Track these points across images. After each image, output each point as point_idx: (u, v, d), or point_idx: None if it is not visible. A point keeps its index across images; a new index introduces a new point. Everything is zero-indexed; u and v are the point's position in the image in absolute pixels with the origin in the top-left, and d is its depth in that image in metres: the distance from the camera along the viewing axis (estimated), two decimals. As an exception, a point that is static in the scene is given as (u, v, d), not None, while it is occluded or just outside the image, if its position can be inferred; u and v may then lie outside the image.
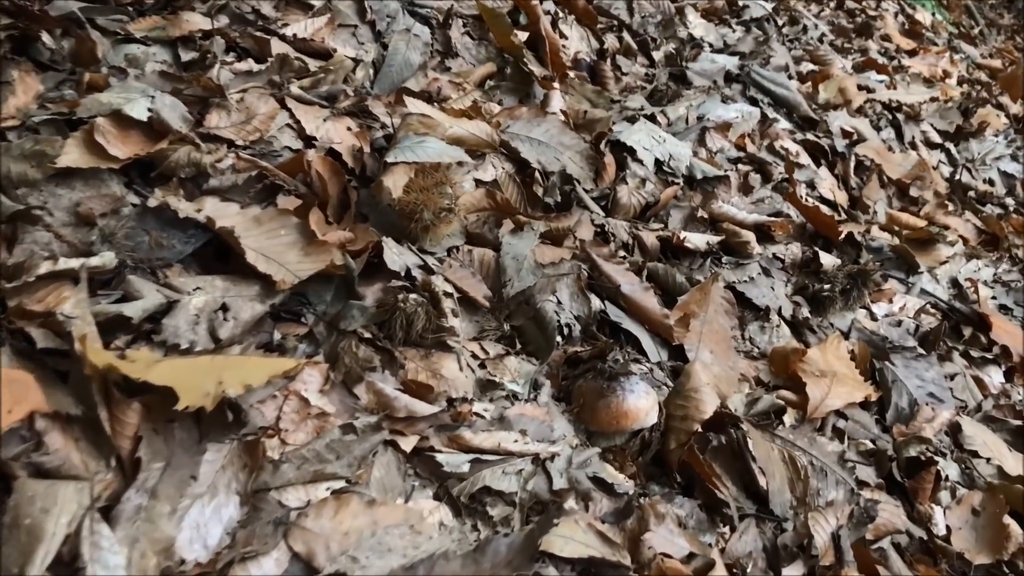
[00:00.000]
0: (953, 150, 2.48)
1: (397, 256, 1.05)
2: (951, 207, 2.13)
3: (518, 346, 1.10)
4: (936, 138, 2.51)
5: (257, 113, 1.17)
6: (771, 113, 2.08)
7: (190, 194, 1.03)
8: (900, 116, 2.48)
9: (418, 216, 1.09)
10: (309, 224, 0.99)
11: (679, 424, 1.03)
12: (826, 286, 1.49)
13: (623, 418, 0.99)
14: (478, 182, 1.32)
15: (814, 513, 1.07)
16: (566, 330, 1.13)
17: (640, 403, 0.99)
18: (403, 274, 1.03)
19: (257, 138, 1.15)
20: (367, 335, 0.95)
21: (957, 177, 2.31)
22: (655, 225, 1.49)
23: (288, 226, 0.98)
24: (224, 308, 0.88)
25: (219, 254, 0.98)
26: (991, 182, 2.41)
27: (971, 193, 2.29)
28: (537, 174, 1.38)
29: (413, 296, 0.98)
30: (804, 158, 1.95)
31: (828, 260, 1.54)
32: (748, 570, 0.97)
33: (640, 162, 1.57)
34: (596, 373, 1.04)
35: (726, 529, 1.00)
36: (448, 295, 1.02)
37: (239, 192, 1.05)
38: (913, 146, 2.42)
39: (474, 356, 1.04)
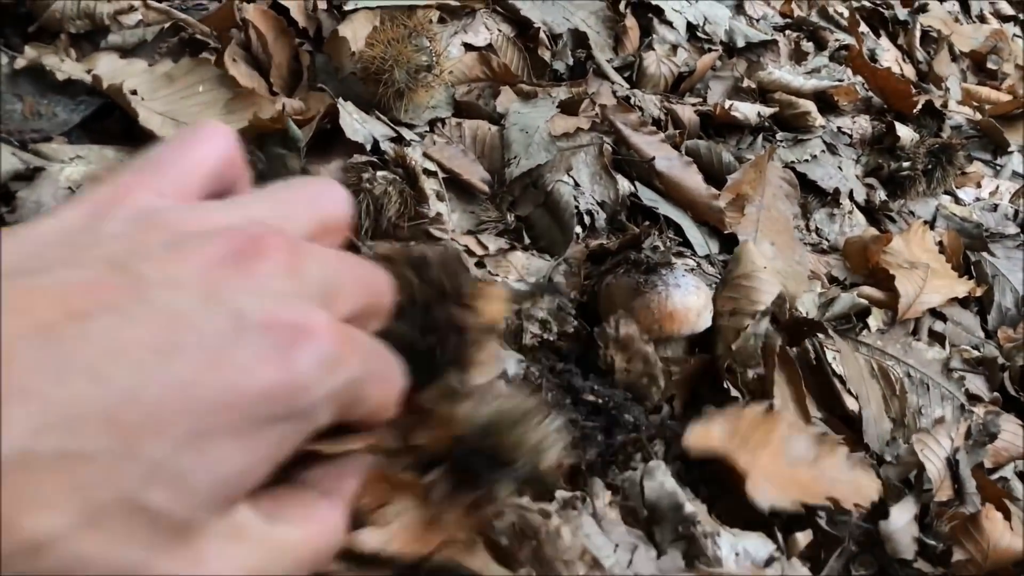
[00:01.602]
0: (1029, 21, 2.22)
1: (359, 124, 0.83)
2: (1036, 81, 1.89)
3: (526, 240, 0.89)
4: (1008, 9, 2.25)
5: (175, -44, 0.95)
6: (819, -22, 1.83)
7: (85, 55, 0.81)
8: (966, -15, 2.22)
9: (387, 77, 0.86)
10: (227, 71, 0.77)
11: (727, 321, 0.80)
12: (905, 164, 1.26)
13: (668, 321, 0.77)
14: (468, 47, 1.09)
15: (920, 435, 0.85)
16: (587, 219, 0.91)
17: (689, 300, 0.77)
18: (369, 147, 0.81)
19: (177, -12, 0.94)
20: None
21: (1038, 49, 2.06)
22: (692, 99, 1.26)
23: (209, 80, 0.77)
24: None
25: (127, 128, 0.77)
26: (1078, 53, 2.16)
27: (1056, 66, 2.04)
28: (543, 36, 1.15)
29: (382, 174, 0.77)
30: (862, 27, 1.70)
31: (906, 133, 1.31)
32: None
33: (669, 25, 1.33)
34: (630, 266, 0.82)
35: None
36: (430, 173, 0.80)
37: (147, 51, 0.84)
38: (982, 19, 2.16)
39: (469, 252, 0.82)
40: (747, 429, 0.70)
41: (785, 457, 0.71)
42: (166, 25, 0.86)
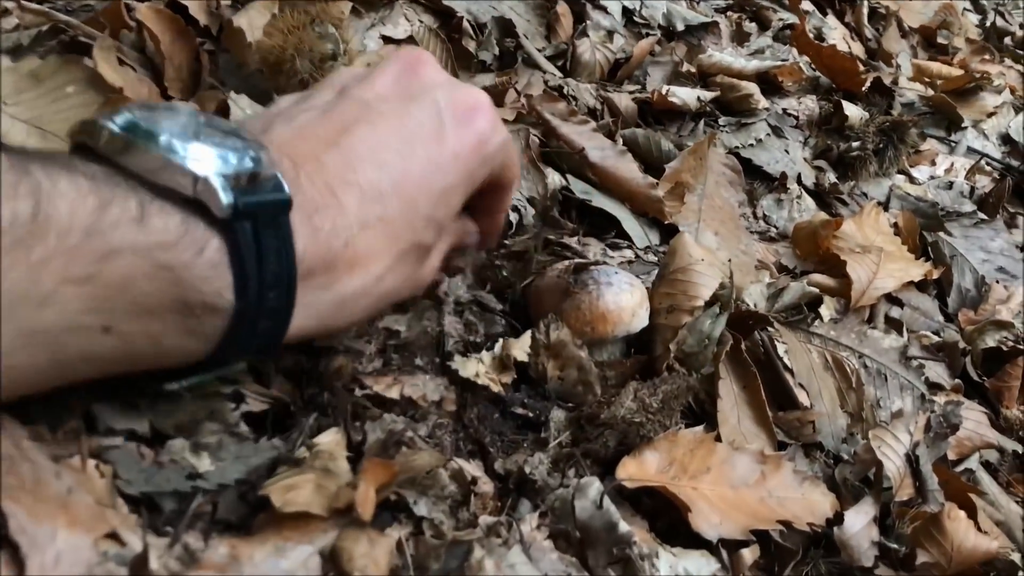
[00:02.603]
0: (979, -5, 2.21)
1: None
2: (987, 56, 1.86)
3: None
4: (958, -17, 2.24)
5: (55, -47, 0.88)
6: (761, -44, 1.79)
7: (-47, 63, 0.75)
8: (913, -41, 2.20)
9: (289, 67, 0.81)
10: (97, 70, 0.71)
11: (665, 319, 0.75)
12: (855, 144, 1.22)
13: (601, 322, 0.71)
14: (387, 39, 1.03)
15: (877, 431, 0.80)
16: (514, 216, 0.86)
17: (622, 299, 0.72)
18: (264, 144, 0.76)
19: (59, -12, 0.87)
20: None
21: (989, 22, 2.04)
22: (630, 86, 1.21)
23: (80, 80, 0.71)
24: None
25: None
26: (1028, 26, 2.14)
27: (1008, 40, 2.02)
28: (467, 25, 1.09)
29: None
30: (807, 4, 1.67)
31: (854, 112, 1.27)
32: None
33: (603, 10, 1.29)
34: (560, 268, 0.77)
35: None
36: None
37: (23, 54, 0.77)
38: (931, -7, 2.14)
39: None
40: (684, 456, 0.65)
41: (728, 481, 0.66)
42: (44, 28, 0.79)
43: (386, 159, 0.52)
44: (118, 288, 0.40)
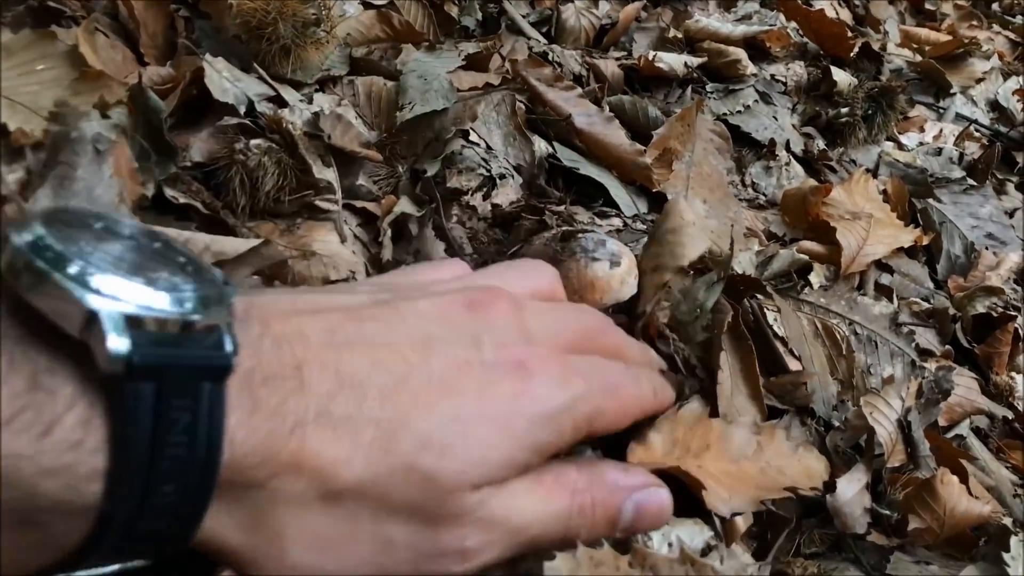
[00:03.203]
0: (967, -40, 2.19)
1: (229, 83, 0.75)
2: (975, 21, 1.85)
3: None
4: (945, -52, 2.22)
5: (23, -86, 0.86)
6: (748, -79, 1.77)
7: (-84, 29, 0.73)
8: (900, -75, 2.18)
9: (270, 32, 0.79)
10: (76, 47, 0.69)
11: (649, 279, 0.74)
12: (843, 110, 1.21)
13: (589, 290, 0.71)
14: (366, 4, 1.01)
15: (868, 397, 0.80)
16: (499, 183, 0.85)
17: (611, 267, 0.71)
18: (243, 109, 0.74)
19: (27, -49, 0.85)
20: (198, 205, 0.67)
21: (977, -12, 2.03)
22: (616, 52, 1.20)
23: (52, 56, 0.68)
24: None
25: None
26: (1017, -9, 2.13)
27: (996, 5, 2.00)
28: (449, -10, 1.08)
29: (256, 142, 0.69)
30: (794, -30, 1.65)
31: (843, 78, 1.26)
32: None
33: (588, -25, 1.27)
34: (547, 236, 0.76)
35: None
36: (313, 136, 0.73)
37: (-10, 20, 0.75)
38: (919, -41, 2.13)
39: (365, 222, 0.75)
40: (686, 435, 0.64)
41: (728, 456, 0.65)
42: (10, -8, 0.77)
43: (385, 362, 0.40)
44: None
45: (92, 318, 0.31)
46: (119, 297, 0.32)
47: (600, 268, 0.71)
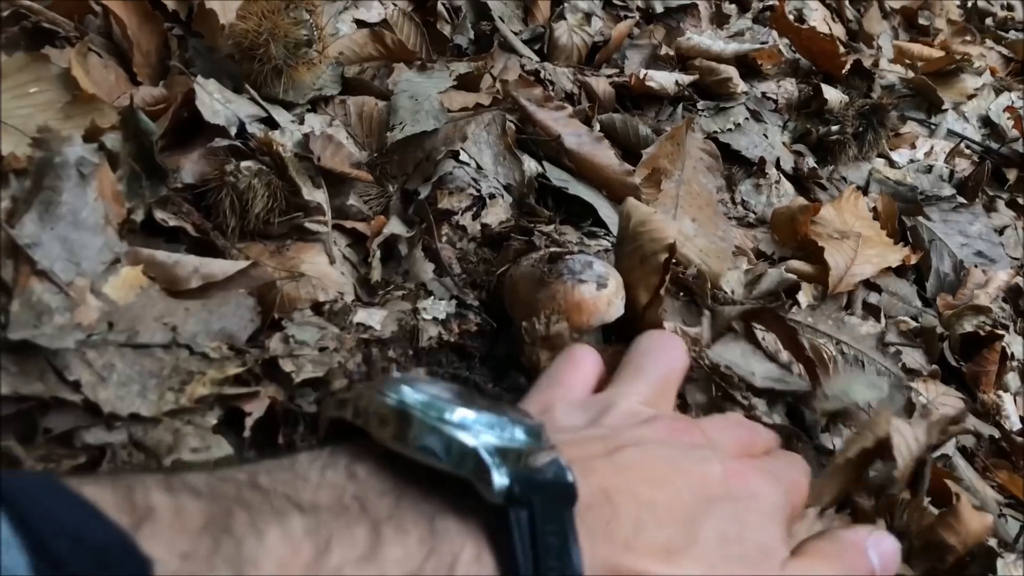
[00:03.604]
0: (961, -25, 2.20)
1: (220, 105, 0.75)
2: (969, 37, 1.86)
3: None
4: (939, -37, 2.23)
5: (17, -65, 0.86)
6: (742, -62, 1.78)
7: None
8: (894, -60, 2.19)
9: (263, 53, 0.80)
10: (70, 70, 0.69)
11: (639, 270, 0.75)
12: (834, 128, 1.22)
13: (575, 312, 0.71)
14: (360, 23, 1.02)
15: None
16: (489, 202, 0.86)
17: (597, 289, 0.72)
18: (234, 131, 0.75)
19: (21, -28, 0.86)
20: (187, 227, 0.68)
21: (970, 3, 2.03)
22: (608, 70, 1.21)
23: (45, 79, 0.69)
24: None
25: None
26: (1009, 7, 2.14)
27: (989, 21, 2.02)
28: (441, 8, 1.08)
29: (247, 164, 0.70)
30: (788, -14, 1.66)
31: (833, 95, 1.26)
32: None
33: (581, -8, 1.28)
34: (535, 257, 0.76)
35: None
36: (303, 157, 0.74)
37: (-16, 42, 0.76)
38: (913, -26, 2.14)
39: (355, 242, 0.76)
40: None
41: None
42: (4, 13, 0.78)
43: (660, 481, 0.44)
44: None
45: (469, 454, 0.35)
46: (483, 431, 0.36)
47: (587, 290, 0.71)
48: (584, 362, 0.60)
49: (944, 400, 0.92)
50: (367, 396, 0.38)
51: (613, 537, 0.39)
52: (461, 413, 0.36)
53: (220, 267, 0.63)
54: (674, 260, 0.74)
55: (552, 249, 0.77)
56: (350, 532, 0.33)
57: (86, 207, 0.55)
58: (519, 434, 0.37)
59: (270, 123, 0.79)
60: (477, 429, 0.36)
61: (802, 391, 0.79)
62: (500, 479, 0.34)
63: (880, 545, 0.52)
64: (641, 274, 0.74)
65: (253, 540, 0.31)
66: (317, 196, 0.73)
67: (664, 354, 0.61)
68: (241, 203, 0.69)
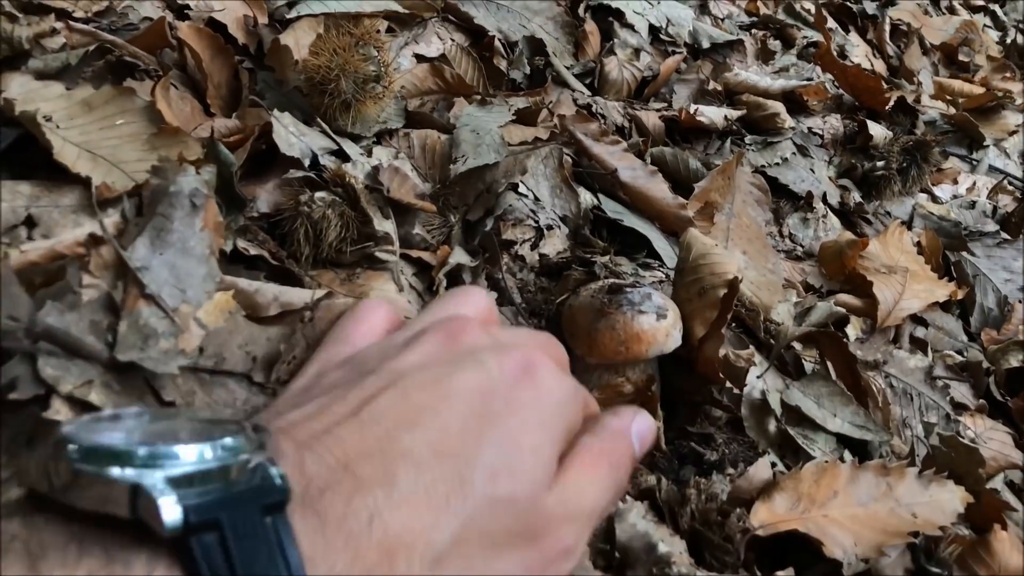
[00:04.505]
0: (999, 11, 2.21)
1: (295, 137, 0.78)
2: (1008, 73, 1.86)
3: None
4: (977, 0, 2.24)
5: (101, -27, 0.90)
6: (785, -25, 1.80)
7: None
8: (933, -23, 2.20)
9: (333, 87, 0.82)
10: (155, 103, 0.72)
11: (697, 303, 0.76)
12: (879, 163, 1.23)
13: (634, 342, 0.72)
14: (420, 58, 1.05)
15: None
16: (547, 233, 0.87)
17: (657, 320, 0.73)
18: (307, 163, 0.77)
19: (104, 8, 0.89)
20: (266, 255, 0.70)
21: (1010, 40, 2.04)
22: (656, 104, 1.23)
23: (130, 111, 0.71)
24: (30, 223, 0.62)
25: (51, 161, 0.72)
26: (1049, 44, 2.14)
27: (1028, 57, 2.02)
28: (498, 44, 1.11)
29: (320, 195, 0.72)
30: (830, 23, 1.68)
31: (879, 131, 1.28)
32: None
33: (631, 28, 1.30)
34: (594, 288, 0.78)
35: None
36: (373, 188, 0.76)
37: (71, 74, 0.79)
38: (951, 10, 2.15)
39: (420, 271, 0.78)
40: (811, 488, 0.67)
41: (856, 500, 0.68)
42: (91, 48, 0.81)
43: (419, 420, 0.41)
44: None
45: (136, 492, 0.31)
46: (156, 465, 0.32)
47: (646, 321, 0.72)
48: (370, 315, 0.55)
49: (991, 435, 0.92)
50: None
51: (357, 515, 0.36)
52: (131, 454, 0.32)
53: (298, 296, 0.65)
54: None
55: (612, 280, 0.78)
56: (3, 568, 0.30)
57: (194, 236, 0.57)
58: (222, 449, 0.34)
59: (340, 155, 0.82)
60: (151, 466, 0.32)
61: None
62: (170, 513, 0.31)
63: (640, 426, 0.52)
64: (699, 306, 0.76)
65: None
66: (386, 226, 0.75)
67: (456, 297, 0.56)
68: (315, 232, 0.71)
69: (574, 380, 0.50)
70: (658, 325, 0.73)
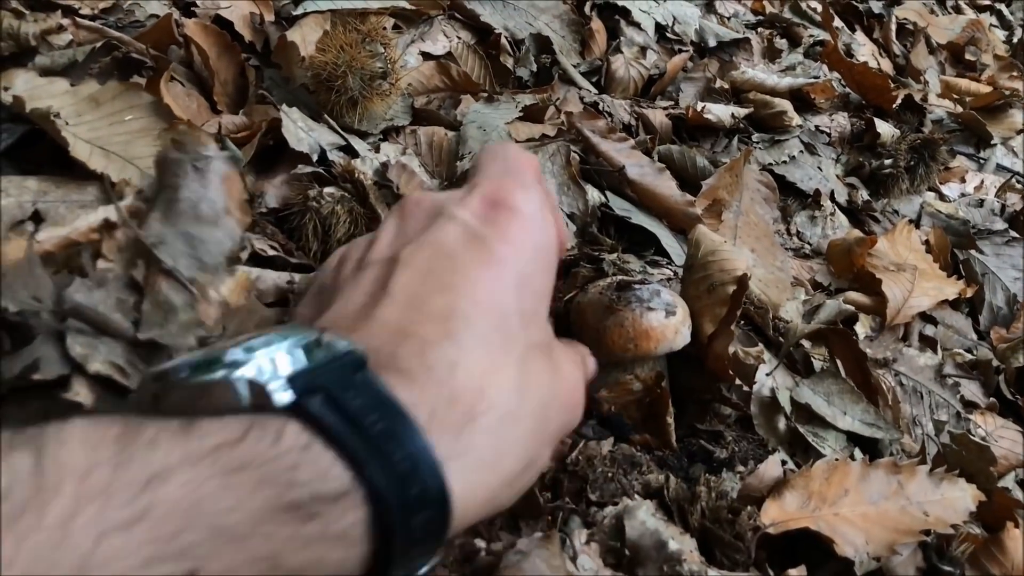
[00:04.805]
0: (1005, 11, 2.20)
1: (304, 133, 0.78)
2: (1015, 72, 1.86)
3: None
4: (983, -2, 2.24)
5: (107, -30, 0.89)
6: (790, -27, 1.80)
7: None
8: (939, -24, 2.20)
9: (340, 84, 0.82)
10: (161, 99, 0.72)
11: (707, 300, 0.75)
12: (887, 162, 1.22)
13: (643, 339, 0.71)
14: (426, 55, 1.04)
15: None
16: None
17: (665, 317, 0.73)
18: (315, 157, 0.77)
19: (111, 4, 0.88)
20: (268, 249, 0.69)
21: (1016, 39, 2.03)
22: (663, 102, 1.22)
23: (138, 107, 0.71)
24: (37, 218, 0.62)
25: (56, 154, 0.71)
26: (1056, 42, 2.13)
27: (1034, 56, 2.01)
28: (504, 42, 1.10)
29: (329, 190, 0.72)
30: (837, 22, 1.67)
31: (886, 129, 1.27)
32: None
33: (637, 26, 1.29)
34: (603, 284, 0.77)
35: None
36: (382, 185, 0.75)
37: (78, 71, 0.78)
38: (957, 9, 2.14)
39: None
40: (821, 487, 0.66)
41: (867, 498, 0.67)
42: (98, 44, 0.80)
43: (444, 282, 0.45)
44: (184, 516, 0.30)
45: (244, 383, 0.36)
46: (246, 362, 0.37)
47: (655, 318, 0.72)
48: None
49: (1002, 433, 0.92)
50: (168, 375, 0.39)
51: (437, 364, 0.40)
52: (231, 355, 0.37)
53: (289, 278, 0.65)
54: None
55: (620, 277, 0.77)
56: (160, 421, 0.33)
57: (205, 200, 0.57)
58: (291, 339, 0.39)
59: (348, 151, 0.81)
60: (257, 356, 0.37)
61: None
62: (280, 387, 0.36)
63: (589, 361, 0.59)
64: (708, 303, 0.75)
65: (52, 427, 0.31)
66: (394, 222, 0.74)
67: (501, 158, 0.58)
68: (324, 228, 0.71)
69: (539, 190, 0.53)
70: (667, 322, 0.72)
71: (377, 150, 0.83)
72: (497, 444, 0.41)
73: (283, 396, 0.35)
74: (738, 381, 0.76)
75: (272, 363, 0.37)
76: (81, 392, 0.47)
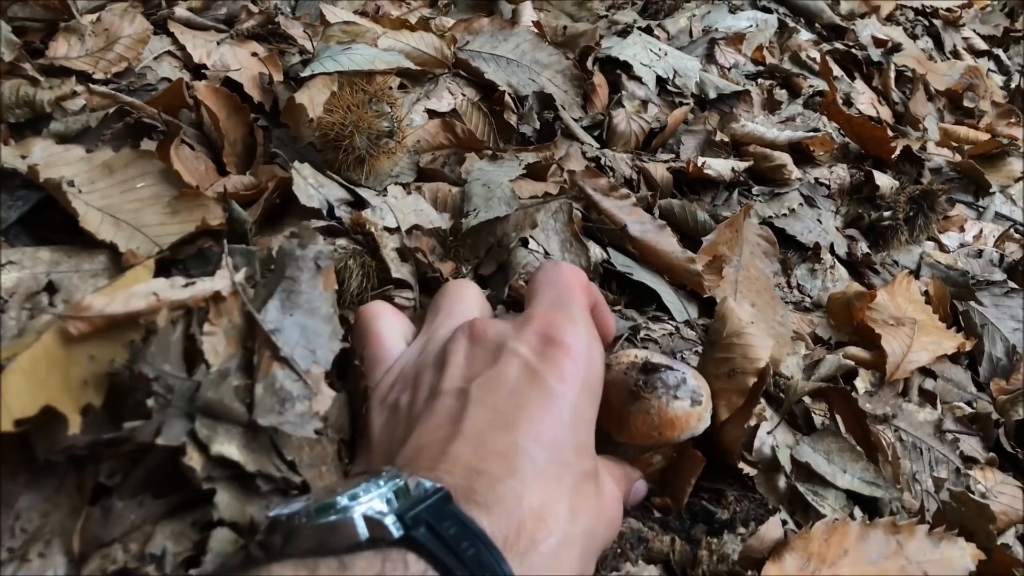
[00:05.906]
0: (1003, 56, 2.23)
1: (314, 189, 0.79)
2: (1013, 119, 1.88)
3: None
4: (981, 44, 2.26)
5: (120, 36, 0.92)
6: (789, 22, 1.83)
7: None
8: (937, 22, 2.22)
9: (347, 143, 0.84)
10: (171, 165, 0.73)
11: (725, 383, 0.74)
12: (886, 213, 1.24)
13: (668, 428, 0.68)
14: (431, 113, 1.06)
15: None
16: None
17: (691, 406, 0.71)
18: (325, 213, 0.78)
19: (123, 69, 0.91)
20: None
21: (1014, 84, 2.06)
22: (664, 155, 1.24)
23: (150, 173, 0.73)
24: (51, 289, 0.63)
25: (68, 220, 0.73)
26: (1053, 88, 2.16)
27: (1032, 102, 2.03)
28: (508, 99, 1.12)
29: (341, 242, 0.74)
30: (836, 70, 1.70)
31: (885, 181, 1.29)
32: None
33: (638, 80, 1.32)
34: (626, 364, 0.74)
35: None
36: (392, 231, 0.77)
37: (91, 136, 0.80)
38: (956, 55, 2.17)
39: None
40: (820, 548, 0.67)
41: (867, 559, 0.68)
42: (111, 110, 0.82)
43: (507, 420, 0.53)
44: None
45: (361, 521, 0.44)
46: (357, 503, 0.45)
47: (681, 407, 0.68)
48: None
49: (1002, 488, 0.92)
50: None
51: (506, 497, 0.48)
52: (342, 501, 0.45)
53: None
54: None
55: (646, 356, 0.74)
56: (325, 560, 0.42)
57: (319, 297, 0.60)
58: (385, 482, 0.47)
59: (355, 206, 0.83)
60: (362, 501, 0.45)
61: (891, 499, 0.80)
62: (393, 523, 0.44)
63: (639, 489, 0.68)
64: (726, 388, 0.74)
65: None
66: (403, 272, 0.76)
67: (450, 296, 0.70)
68: (338, 280, 0.72)
69: (586, 321, 0.63)
70: (692, 411, 0.69)
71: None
72: (555, 565, 0.48)
73: (396, 529, 0.44)
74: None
75: (378, 502, 0.45)
76: (194, 457, 0.51)
